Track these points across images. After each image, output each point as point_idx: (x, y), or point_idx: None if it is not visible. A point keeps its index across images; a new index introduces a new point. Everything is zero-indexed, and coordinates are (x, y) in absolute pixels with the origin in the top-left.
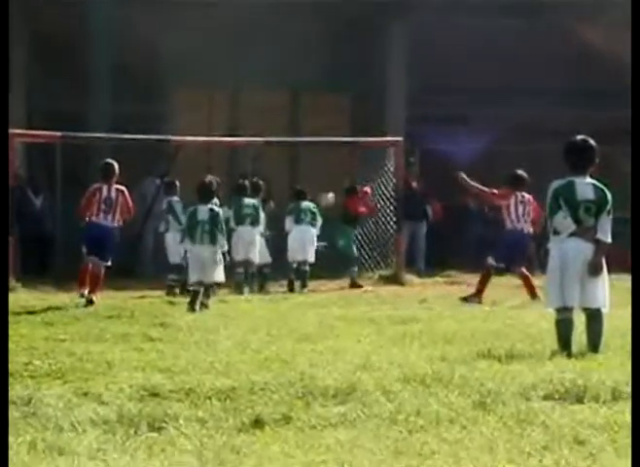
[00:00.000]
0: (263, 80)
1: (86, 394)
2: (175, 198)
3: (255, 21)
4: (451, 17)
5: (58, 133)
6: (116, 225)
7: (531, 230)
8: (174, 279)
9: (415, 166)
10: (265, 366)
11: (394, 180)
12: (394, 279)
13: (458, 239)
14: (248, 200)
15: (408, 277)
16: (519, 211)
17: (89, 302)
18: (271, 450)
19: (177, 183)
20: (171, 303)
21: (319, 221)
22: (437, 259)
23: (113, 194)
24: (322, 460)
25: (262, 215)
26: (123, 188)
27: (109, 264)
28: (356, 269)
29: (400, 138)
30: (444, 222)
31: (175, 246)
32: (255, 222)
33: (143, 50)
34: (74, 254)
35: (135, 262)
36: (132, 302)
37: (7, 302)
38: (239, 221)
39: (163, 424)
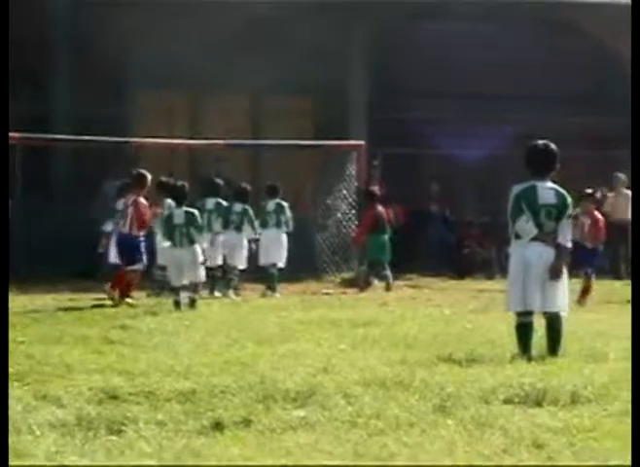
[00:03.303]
0: (225, 82)
1: (44, 397)
2: None
3: (217, 24)
4: (414, 21)
5: (17, 135)
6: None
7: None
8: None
9: (378, 170)
10: (225, 369)
11: (356, 183)
12: (355, 282)
13: (420, 243)
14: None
15: (371, 280)
16: None
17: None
18: (231, 453)
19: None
20: (132, 305)
21: (289, 221)
22: (399, 262)
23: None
24: (282, 463)
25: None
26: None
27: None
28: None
29: (362, 142)
30: (406, 225)
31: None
32: (238, 226)
33: (104, 52)
34: (34, 257)
35: (96, 264)
36: (93, 304)
37: (7, 302)
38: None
39: (123, 427)
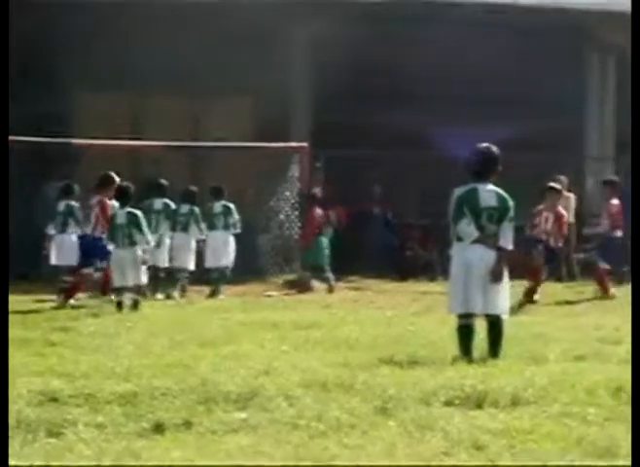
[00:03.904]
0: (166, 83)
1: None
2: (72, 202)
3: (159, 24)
4: (358, 22)
5: None
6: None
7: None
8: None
9: (320, 172)
10: (166, 371)
11: (299, 185)
12: (298, 284)
13: (363, 245)
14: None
15: (313, 282)
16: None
17: None
18: (172, 456)
19: (76, 186)
20: (73, 307)
21: (237, 223)
22: (341, 264)
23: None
24: (222, 466)
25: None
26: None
27: None
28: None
29: (305, 144)
30: (349, 227)
31: (70, 248)
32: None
33: (46, 52)
34: None
35: (37, 266)
36: (34, 306)
37: (7, 302)
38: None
39: (62, 430)
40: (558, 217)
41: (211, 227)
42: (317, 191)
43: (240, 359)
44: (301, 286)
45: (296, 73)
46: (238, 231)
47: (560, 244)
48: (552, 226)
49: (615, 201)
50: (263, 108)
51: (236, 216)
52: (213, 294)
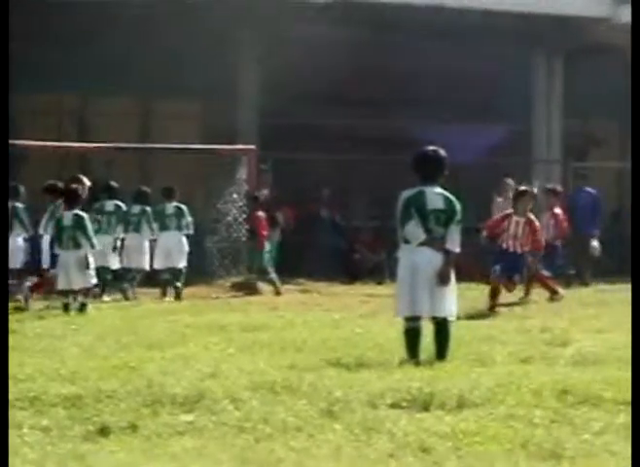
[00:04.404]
0: (115, 85)
1: None
2: (18, 204)
3: (107, 25)
4: (305, 25)
5: None
6: None
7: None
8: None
9: (268, 174)
10: (112, 373)
11: (246, 188)
12: (245, 286)
13: (310, 247)
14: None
15: (260, 285)
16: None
17: None
18: (117, 459)
19: (22, 188)
20: (18, 308)
21: (190, 224)
22: (289, 266)
23: None
24: None
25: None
26: None
27: None
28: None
29: (253, 146)
30: (297, 230)
31: (15, 250)
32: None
33: None
34: None
35: None
36: None
37: (7, 302)
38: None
39: None
40: (530, 222)
41: (163, 228)
42: (261, 193)
43: (187, 361)
44: (248, 288)
45: (244, 75)
46: (191, 232)
47: (527, 249)
48: (523, 231)
49: (557, 210)
50: (211, 110)
51: (189, 218)
52: (164, 295)
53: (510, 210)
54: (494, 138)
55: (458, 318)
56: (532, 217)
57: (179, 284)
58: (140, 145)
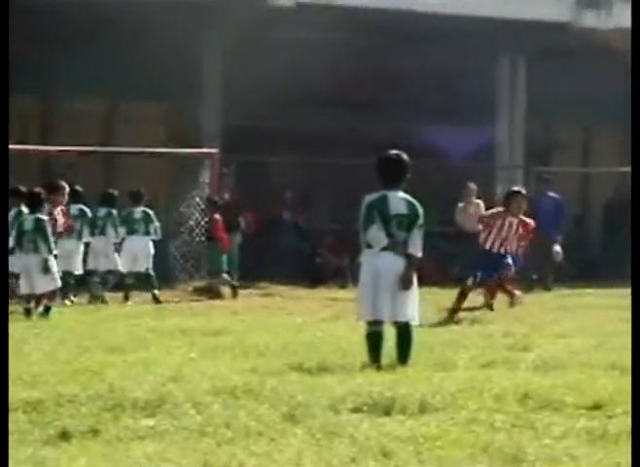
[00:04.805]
0: (78, 87)
1: None
2: None
3: (70, 27)
4: (267, 27)
5: None
6: None
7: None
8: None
9: (230, 177)
10: (73, 378)
11: (208, 191)
12: (208, 291)
13: (273, 251)
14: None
15: (222, 289)
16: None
17: None
18: (77, 464)
19: None
20: None
21: (157, 229)
22: (251, 270)
23: None
24: None
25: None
26: None
27: None
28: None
29: (215, 150)
30: (259, 233)
31: None
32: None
33: None
34: None
35: None
36: None
37: (7, 302)
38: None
39: None
40: (524, 224)
41: (131, 231)
42: (217, 196)
43: (148, 366)
44: (210, 293)
45: (207, 78)
46: (158, 237)
47: (519, 252)
48: (515, 232)
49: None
50: (174, 114)
51: (156, 223)
52: (126, 299)
53: (500, 208)
54: (475, 140)
55: (420, 323)
56: (525, 218)
57: (156, 291)
58: (103, 148)
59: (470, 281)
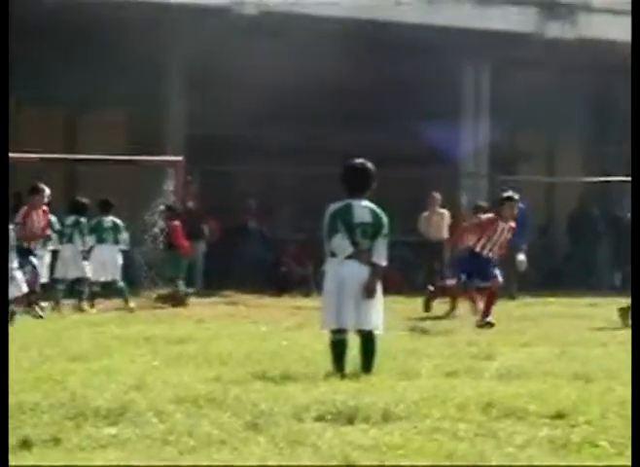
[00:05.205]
0: (41, 95)
1: None
2: None
3: (34, 36)
4: (230, 37)
5: None
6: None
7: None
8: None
9: (194, 186)
10: (35, 386)
11: (173, 199)
12: (172, 298)
13: (237, 259)
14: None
15: (187, 297)
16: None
17: None
18: None
19: None
20: None
21: (127, 239)
22: (216, 279)
23: None
24: None
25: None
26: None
27: None
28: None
29: (180, 158)
30: (224, 241)
31: None
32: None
33: None
34: None
35: None
36: None
37: (7, 303)
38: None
39: None
40: (512, 230)
41: (100, 240)
42: (182, 204)
43: (111, 374)
44: (174, 300)
45: (171, 87)
46: (127, 248)
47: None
48: (505, 237)
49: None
50: (138, 122)
51: (125, 233)
52: (92, 306)
53: (490, 215)
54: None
55: (384, 331)
56: (513, 224)
57: (130, 304)
58: (66, 155)
59: (454, 282)
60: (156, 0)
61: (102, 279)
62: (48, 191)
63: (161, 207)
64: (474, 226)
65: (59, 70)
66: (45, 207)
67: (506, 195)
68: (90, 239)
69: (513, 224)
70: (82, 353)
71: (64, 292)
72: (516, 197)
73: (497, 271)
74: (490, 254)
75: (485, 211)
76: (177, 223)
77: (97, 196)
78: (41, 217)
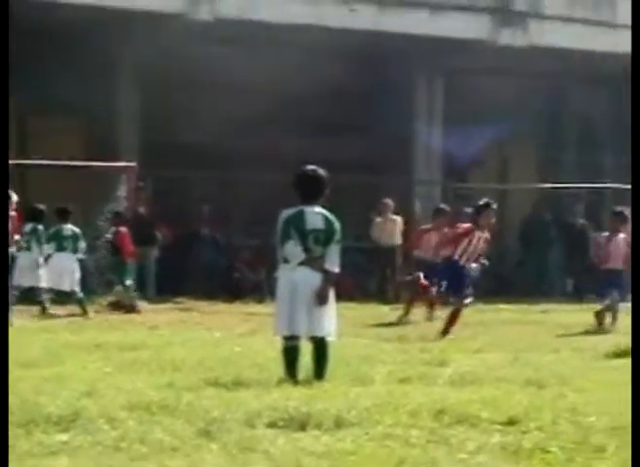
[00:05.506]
0: None
1: None
2: None
3: None
4: (182, 43)
5: None
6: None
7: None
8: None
9: (146, 191)
10: None
11: (126, 205)
12: (124, 305)
13: (191, 265)
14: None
15: (140, 303)
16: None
17: None
18: None
19: None
20: None
21: (84, 247)
22: (169, 285)
23: None
24: None
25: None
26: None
27: None
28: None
29: (133, 163)
30: (176, 247)
31: None
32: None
33: None
34: None
35: None
36: None
37: (7, 303)
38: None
39: None
40: (488, 239)
41: (59, 248)
42: (134, 210)
43: (63, 381)
44: (127, 307)
45: (124, 93)
46: (84, 257)
47: (474, 263)
48: (483, 246)
49: (446, 230)
50: (92, 127)
51: (83, 242)
52: (43, 313)
53: (468, 225)
54: None
55: (337, 337)
56: (488, 234)
57: (89, 314)
58: (19, 161)
59: (435, 290)
60: (110, 5)
61: (60, 288)
62: (15, 197)
63: (110, 213)
64: (452, 235)
65: (14, 76)
66: (13, 213)
67: (483, 202)
68: (49, 247)
69: (488, 234)
70: (33, 360)
71: (17, 299)
72: (494, 205)
73: (469, 291)
74: (467, 263)
75: (444, 214)
76: (124, 229)
77: (50, 202)
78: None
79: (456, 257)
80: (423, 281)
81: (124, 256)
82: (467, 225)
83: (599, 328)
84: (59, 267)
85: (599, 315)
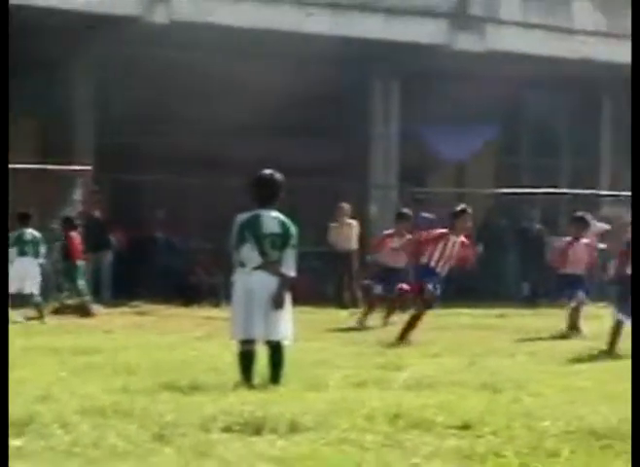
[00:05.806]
0: None
1: None
2: None
3: None
4: (139, 46)
5: None
6: None
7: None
8: None
9: (101, 195)
10: None
11: (82, 208)
12: (79, 309)
13: (146, 269)
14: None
15: (94, 307)
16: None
17: None
18: None
19: None
20: None
21: (43, 250)
22: (124, 289)
23: None
24: None
25: None
26: None
27: None
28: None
29: (88, 167)
30: (132, 251)
31: None
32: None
33: None
34: None
35: None
36: None
37: (7, 303)
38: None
39: None
40: (463, 244)
41: (21, 253)
42: (88, 213)
43: (17, 385)
44: (80, 310)
45: (80, 96)
46: (44, 261)
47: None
48: (459, 250)
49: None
50: (46, 130)
51: (44, 247)
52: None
53: (443, 230)
54: None
55: (293, 342)
56: (464, 239)
57: (45, 319)
58: None
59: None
60: (65, 7)
61: (22, 292)
62: None
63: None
64: (425, 239)
65: None
66: None
67: (460, 207)
68: (12, 252)
69: (464, 238)
70: None
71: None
72: (469, 210)
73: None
74: (441, 269)
75: (407, 218)
76: (74, 233)
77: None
78: None
79: (432, 264)
80: (378, 289)
81: (74, 260)
82: (441, 230)
83: (573, 332)
84: (22, 271)
85: (571, 318)
